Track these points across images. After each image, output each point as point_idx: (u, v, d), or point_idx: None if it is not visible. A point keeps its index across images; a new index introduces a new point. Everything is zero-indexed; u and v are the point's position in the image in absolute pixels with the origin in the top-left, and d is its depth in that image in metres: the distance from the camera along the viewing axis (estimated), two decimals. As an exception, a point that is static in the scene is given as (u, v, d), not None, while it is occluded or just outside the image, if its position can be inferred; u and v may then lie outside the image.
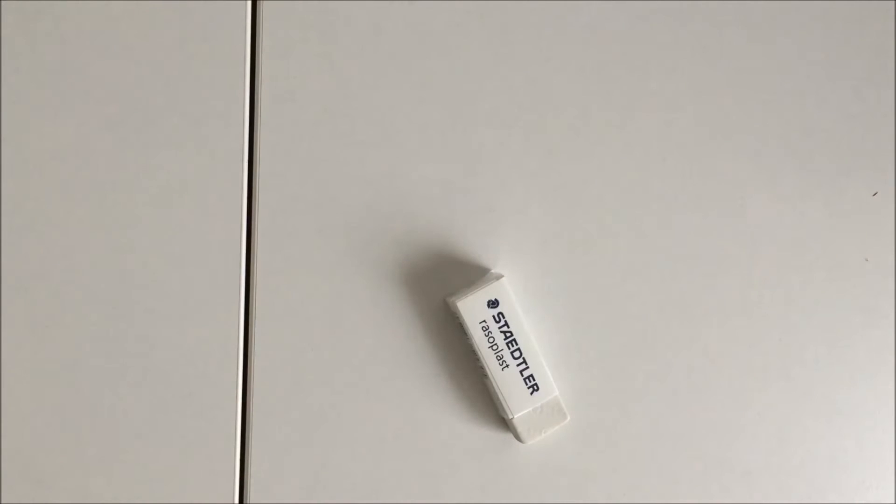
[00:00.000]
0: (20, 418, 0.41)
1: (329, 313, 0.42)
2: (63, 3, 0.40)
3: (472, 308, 0.40)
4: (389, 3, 0.41)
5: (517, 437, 0.41)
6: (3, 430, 0.41)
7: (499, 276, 0.40)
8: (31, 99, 0.40)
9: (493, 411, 0.42)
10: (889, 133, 0.43)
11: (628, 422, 0.43)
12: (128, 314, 0.41)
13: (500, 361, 0.40)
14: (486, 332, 0.40)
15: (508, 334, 0.40)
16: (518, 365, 0.40)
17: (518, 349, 0.40)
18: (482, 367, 0.40)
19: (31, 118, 0.41)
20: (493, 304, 0.40)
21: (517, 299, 0.41)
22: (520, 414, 0.40)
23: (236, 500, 0.42)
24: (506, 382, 0.40)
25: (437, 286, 0.42)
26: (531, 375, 0.40)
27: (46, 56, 0.40)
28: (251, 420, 0.42)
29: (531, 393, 0.40)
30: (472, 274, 0.42)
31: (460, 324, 0.40)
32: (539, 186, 0.42)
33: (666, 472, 0.43)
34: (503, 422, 0.42)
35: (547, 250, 0.43)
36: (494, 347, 0.40)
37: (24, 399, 0.42)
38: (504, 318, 0.40)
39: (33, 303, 0.41)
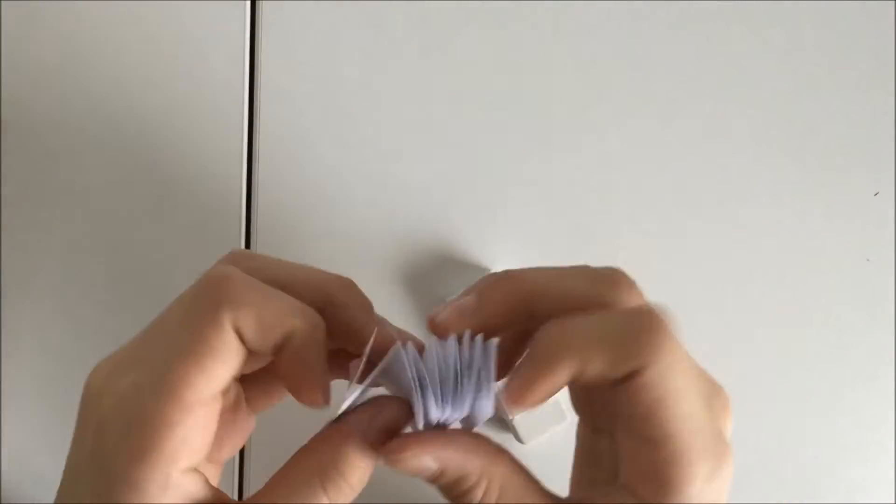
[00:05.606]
0: (20, 418, 0.41)
1: (329, 313, 0.42)
2: (63, 3, 0.40)
3: (471, 308, 0.40)
4: (389, 3, 0.41)
5: (517, 437, 0.41)
6: (3, 430, 0.41)
7: (499, 276, 0.40)
8: (32, 99, 0.40)
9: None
10: (889, 133, 0.43)
11: (628, 422, 0.43)
12: (128, 315, 0.41)
13: (500, 361, 0.40)
14: (486, 332, 0.40)
15: (508, 334, 0.40)
16: (518, 365, 0.40)
17: (518, 349, 0.40)
18: (482, 367, 0.40)
19: (31, 118, 0.41)
20: (493, 304, 0.40)
21: (517, 299, 0.41)
22: (519, 414, 0.40)
23: (236, 499, 0.42)
24: (506, 382, 0.40)
25: (437, 286, 0.42)
26: (531, 375, 0.40)
27: (46, 56, 0.40)
28: (251, 420, 0.42)
29: (531, 393, 0.40)
30: (472, 274, 0.42)
31: (460, 324, 0.40)
32: (538, 186, 0.42)
33: (666, 472, 0.43)
34: (503, 422, 0.42)
35: (547, 250, 0.42)
36: (494, 347, 0.40)
37: (24, 398, 0.42)
38: (504, 318, 0.40)
39: (33, 303, 0.41)
